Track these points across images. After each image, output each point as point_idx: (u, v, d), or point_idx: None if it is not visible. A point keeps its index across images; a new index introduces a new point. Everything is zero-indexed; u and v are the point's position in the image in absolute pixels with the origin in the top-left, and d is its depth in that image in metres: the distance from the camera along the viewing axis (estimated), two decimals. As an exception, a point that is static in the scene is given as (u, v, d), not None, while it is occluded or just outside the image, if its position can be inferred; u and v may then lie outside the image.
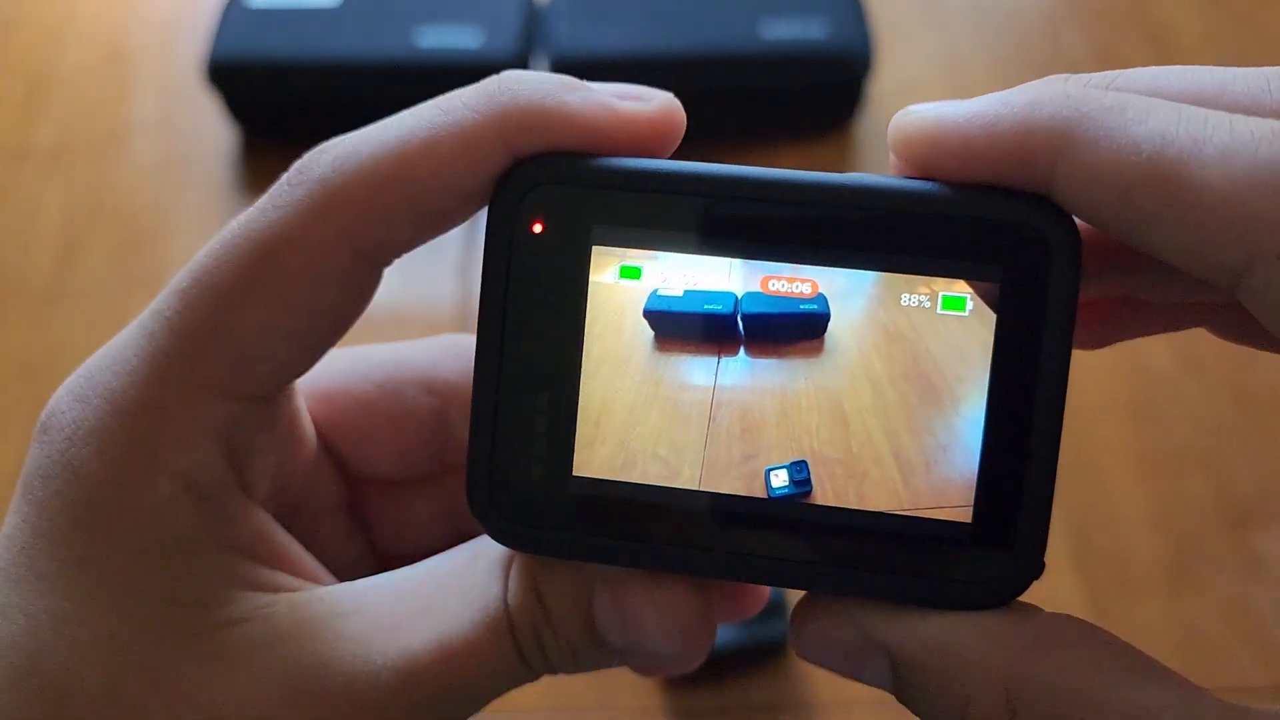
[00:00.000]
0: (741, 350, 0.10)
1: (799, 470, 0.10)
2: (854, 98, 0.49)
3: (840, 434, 0.10)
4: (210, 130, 0.51)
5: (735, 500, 0.10)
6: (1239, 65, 0.51)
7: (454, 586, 0.11)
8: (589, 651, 0.11)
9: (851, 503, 0.09)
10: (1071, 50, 0.54)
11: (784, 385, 0.10)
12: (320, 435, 0.12)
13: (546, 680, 0.36)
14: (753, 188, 0.10)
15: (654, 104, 0.11)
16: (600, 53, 0.47)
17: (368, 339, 0.48)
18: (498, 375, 0.10)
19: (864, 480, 0.09)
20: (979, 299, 0.09)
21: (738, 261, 0.09)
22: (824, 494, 0.09)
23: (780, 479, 0.10)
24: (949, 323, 0.09)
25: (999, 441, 0.09)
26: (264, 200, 0.11)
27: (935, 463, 0.09)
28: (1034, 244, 0.09)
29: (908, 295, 0.09)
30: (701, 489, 0.10)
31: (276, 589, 0.11)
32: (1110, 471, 0.40)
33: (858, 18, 0.48)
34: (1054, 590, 0.37)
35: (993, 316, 0.09)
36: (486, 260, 0.10)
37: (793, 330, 0.10)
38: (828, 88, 0.48)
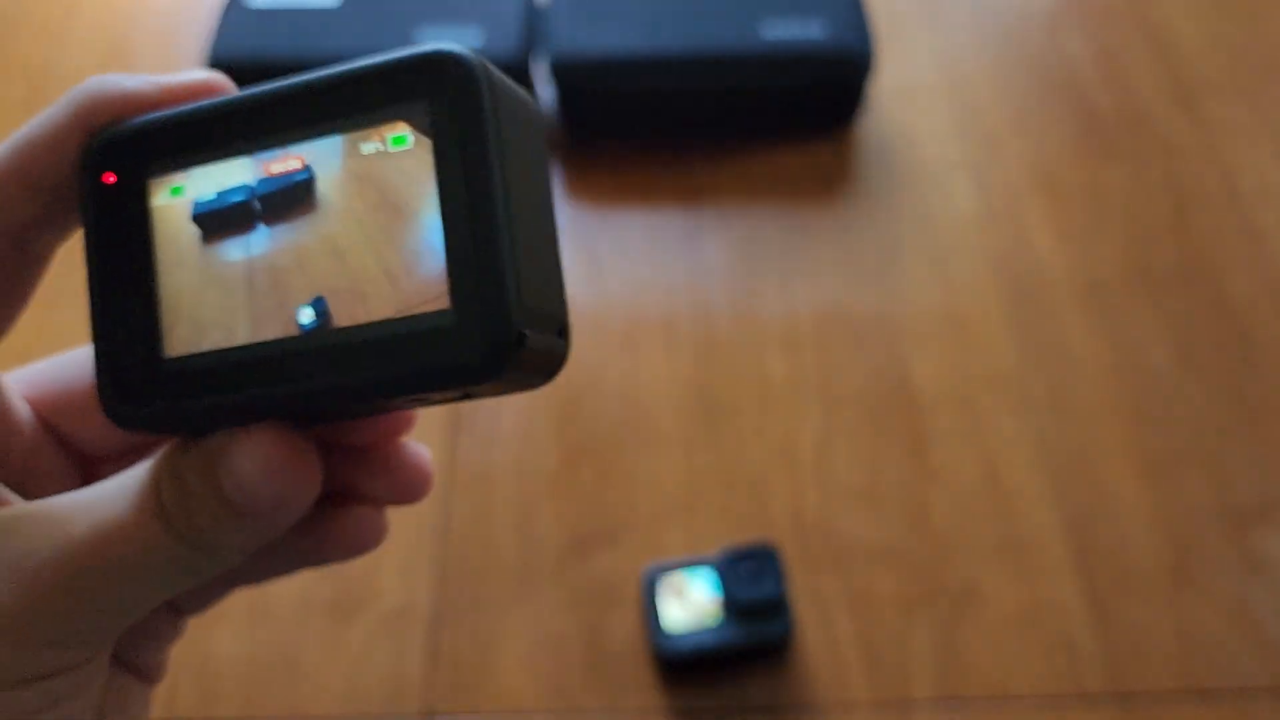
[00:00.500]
0: (260, 224, 0.13)
1: (319, 304, 0.12)
2: (855, 98, 0.49)
3: (341, 267, 0.12)
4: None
5: (274, 344, 0.12)
6: (1238, 64, 0.51)
7: (116, 486, 0.13)
8: (227, 519, 0.13)
9: (361, 320, 0.12)
10: (1070, 50, 0.54)
11: (295, 241, 0.12)
12: (42, 419, 0.15)
13: (547, 681, 0.36)
14: (231, 105, 0.13)
15: (193, 75, 0.14)
16: (600, 53, 0.47)
17: None
18: (100, 296, 0.13)
19: (367, 299, 0.12)
20: (418, 132, 0.12)
21: (247, 159, 0.13)
22: (341, 319, 0.12)
23: (306, 315, 0.12)
24: (400, 157, 0.12)
25: (456, 236, 0.11)
26: None
27: (413, 268, 0.12)
28: (438, 75, 0.12)
29: (364, 144, 0.12)
30: (251, 341, 0.12)
31: None
32: (1110, 472, 0.40)
33: (858, 18, 0.48)
34: (1056, 590, 0.37)
35: (430, 142, 0.12)
36: (80, 210, 0.13)
37: (291, 195, 0.13)
38: (828, 88, 0.48)
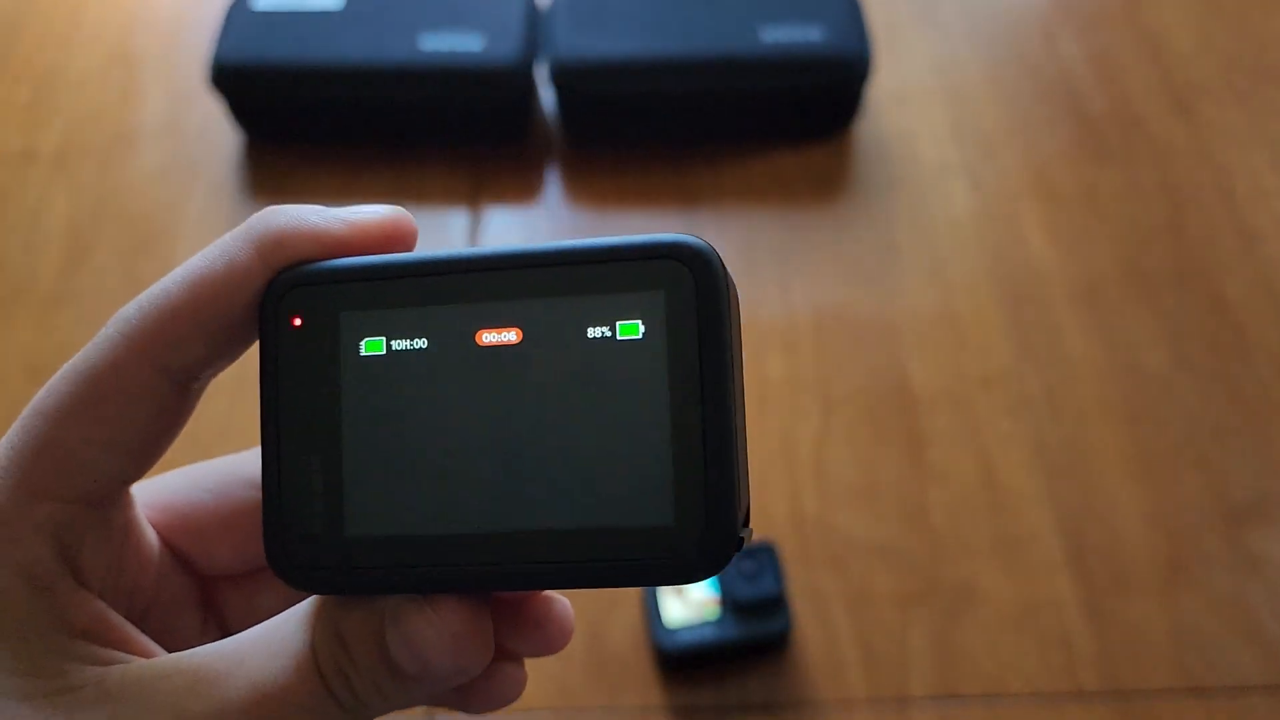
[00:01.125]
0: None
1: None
2: (852, 101, 0.49)
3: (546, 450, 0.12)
4: (215, 133, 0.51)
5: (476, 532, 0.12)
6: (1232, 67, 0.52)
7: (267, 641, 0.12)
8: (390, 683, 0.12)
9: (566, 511, 0.11)
10: (1066, 55, 0.54)
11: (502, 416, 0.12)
12: (165, 541, 0.14)
13: (550, 679, 0.36)
14: (445, 262, 0.12)
15: (381, 213, 0.13)
16: (599, 57, 0.47)
17: None
18: (278, 448, 0.12)
19: (568, 491, 0.11)
20: (651, 324, 0.11)
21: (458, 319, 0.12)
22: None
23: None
24: (628, 348, 0.11)
25: (684, 441, 0.11)
26: (89, 343, 0.13)
27: (630, 466, 0.11)
28: (679, 268, 0.11)
29: (592, 329, 0.11)
30: (448, 534, 0.12)
31: (112, 663, 0.12)
32: (1106, 471, 0.41)
33: (856, 22, 0.48)
34: (1052, 588, 0.38)
35: (664, 338, 0.11)
36: (260, 354, 0.13)
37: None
38: (826, 91, 0.48)
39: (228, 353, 0.13)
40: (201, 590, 0.15)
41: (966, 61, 0.54)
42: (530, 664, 0.38)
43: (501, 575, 0.11)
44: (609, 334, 0.11)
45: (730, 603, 0.35)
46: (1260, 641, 0.36)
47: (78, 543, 0.12)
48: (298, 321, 0.12)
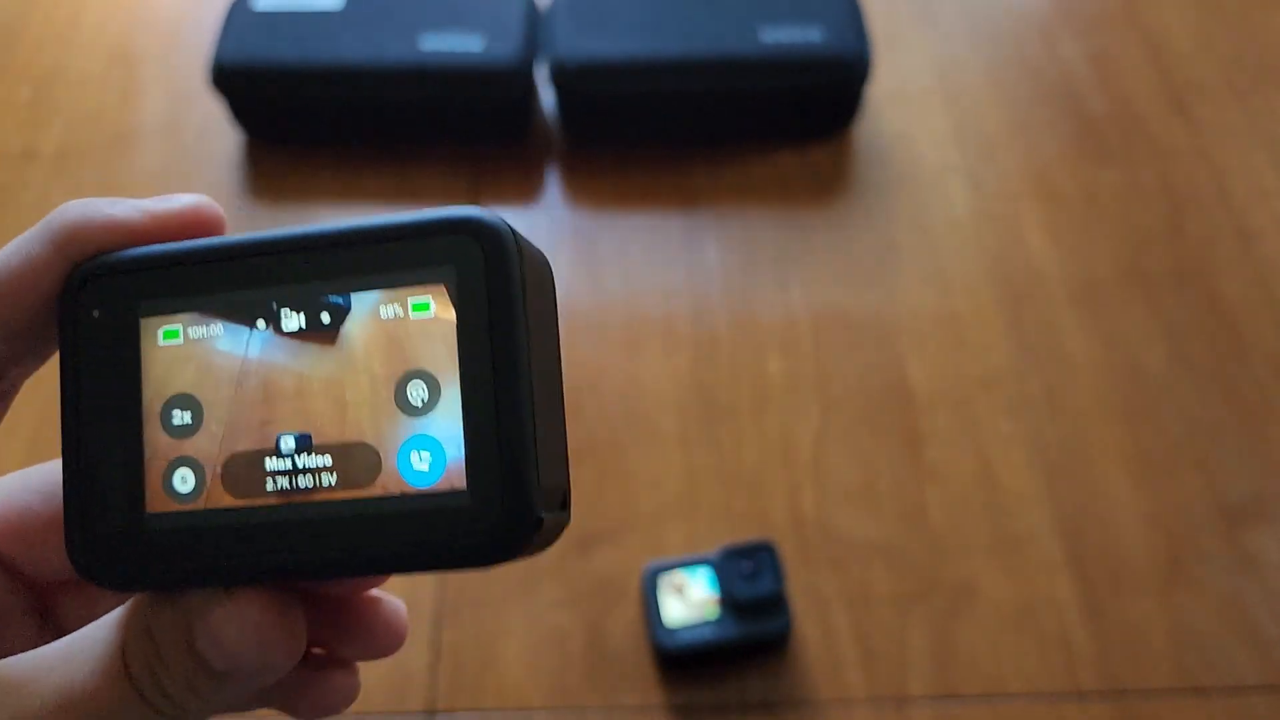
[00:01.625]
0: (268, 328, 0.12)
1: (303, 440, 0.11)
2: (852, 102, 0.49)
3: (340, 418, 0.11)
4: (215, 133, 0.51)
5: (270, 509, 0.11)
6: (1231, 68, 0.52)
7: (78, 646, 0.12)
8: (202, 680, 0.12)
9: (353, 487, 0.11)
10: (1066, 55, 0.55)
11: (301, 367, 0.11)
12: None
13: (550, 680, 0.36)
14: (238, 247, 0.12)
15: (182, 201, 0.13)
16: (599, 57, 0.47)
17: None
18: (78, 440, 0.12)
19: (356, 462, 0.11)
20: (441, 300, 0.11)
21: (255, 309, 0.12)
22: (332, 477, 0.11)
23: (287, 444, 0.11)
24: (420, 325, 0.11)
25: (476, 417, 0.11)
26: None
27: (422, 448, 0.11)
28: (469, 243, 0.11)
29: (384, 308, 0.11)
30: (241, 505, 0.11)
31: None
32: (1105, 471, 0.41)
33: (856, 23, 0.49)
34: (1050, 588, 0.38)
35: (453, 313, 0.11)
36: (60, 347, 0.12)
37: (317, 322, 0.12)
38: (826, 92, 0.48)
39: (34, 350, 0.12)
40: (36, 598, 0.14)
41: (966, 62, 0.54)
42: (530, 662, 0.38)
43: (298, 563, 0.11)
44: (401, 313, 0.11)
45: (730, 602, 0.35)
46: (1258, 641, 0.37)
47: None
48: (96, 313, 0.12)
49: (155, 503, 0.12)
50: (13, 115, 0.52)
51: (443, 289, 0.11)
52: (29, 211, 0.49)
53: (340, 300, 0.11)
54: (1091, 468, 0.41)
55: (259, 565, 0.11)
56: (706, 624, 0.35)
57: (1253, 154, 0.50)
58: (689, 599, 0.35)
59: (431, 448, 0.11)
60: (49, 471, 0.14)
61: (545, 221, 0.49)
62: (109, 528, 0.12)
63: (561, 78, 0.47)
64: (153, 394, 0.12)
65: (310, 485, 0.11)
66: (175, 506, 0.12)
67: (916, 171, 0.50)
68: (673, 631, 0.35)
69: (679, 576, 0.36)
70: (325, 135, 0.50)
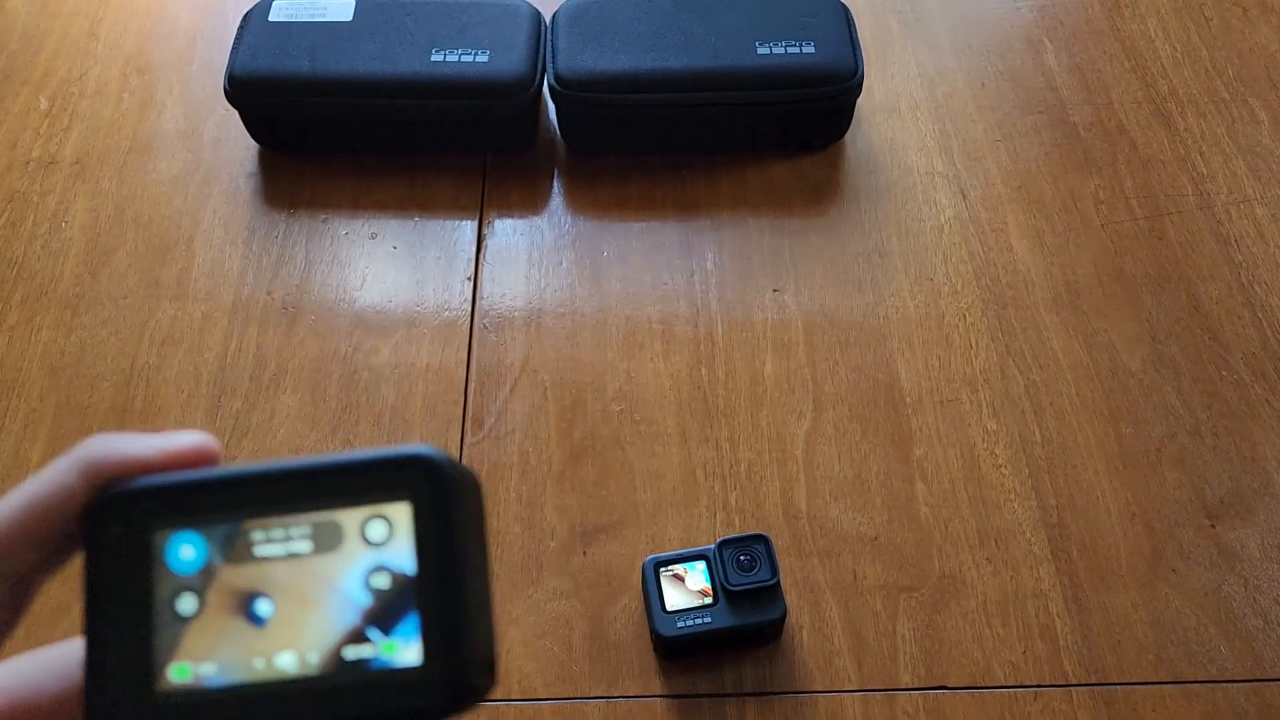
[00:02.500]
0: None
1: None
2: (844, 114, 0.51)
3: (311, 611, 0.14)
4: (230, 142, 0.53)
5: (260, 685, 0.14)
6: (1215, 77, 0.53)
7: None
8: None
9: (338, 661, 0.14)
10: (1051, 66, 0.56)
11: (279, 575, 0.14)
12: None
13: (553, 670, 0.37)
14: (233, 478, 0.15)
15: (187, 440, 0.15)
16: (600, 71, 0.48)
17: (400, 334, 0.48)
18: (97, 630, 0.14)
19: (338, 645, 0.14)
20: (405, 517, 0.14)
21: (243, 525, 0.15)
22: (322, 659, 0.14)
23: (287, 661, 0.14)
24: (384, 544, 0.14)
25: (430, 608, 0.14)
26: None
27: (391, 630, 0.14)
28: (419, 477, 0.14)
29: (355, 524, 0.14)
30: (240, 682, 0.14)
31: None
32: (1087, 468, 0.42)
33: (847, 38, 0.50)
34: (1036, 581, 0.39)
35: (411, 535, 0.14)
36: (84, 558, 0.15)
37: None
38: (819, 103, 0.49)
39: (58, 559, 0.15)
40: None
41: (953, 74, 0.55)
42: (532, 652, 0.39)
43: None
44: (370, 529, 0.14)
45: (726, 592, 0.36)
46: (1237, 633, 0.38)
47: None
48: (115, 529, 0.15)
49: (163, 682, 0.14)
50: (32, 124, 0.54)
51: (406, 507, 0.14)
52: (49, 217, 0.50)
53: (316, 521, 0.14)
54: (1075, 465, 0.42)
55: None
56: (705, 613, 0.36)
57: (1233, 160, 0.52)
58: (688, 589, 0.37)
59: (392, 633, 0.14)
60: (52, 654, 0.17)
61: (549, 228, 0.50)
62: (124, 699, 0.14)
63: (562, 90, 0.49)
64: (163, 592, 0.14)
65: (287, 667, 0.14)
66: (178, 685, 0.14)
67: (905, 179, 0.51)
68: (672, 621, 0.36)
69: (678, 568, 0.37)
70: (337, 145, 0.51)
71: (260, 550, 0.14)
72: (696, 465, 0.42)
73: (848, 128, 0.52)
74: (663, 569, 0.37)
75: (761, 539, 0.37)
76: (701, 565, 0.37)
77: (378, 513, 0.14)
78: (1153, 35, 0.57)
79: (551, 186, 0.51)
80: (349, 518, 0.14)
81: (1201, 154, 0.52)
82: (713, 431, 0.43)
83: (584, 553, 0.39)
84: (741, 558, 0.36)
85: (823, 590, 0.39)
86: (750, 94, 0.49)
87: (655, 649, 0.37)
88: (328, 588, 0.14)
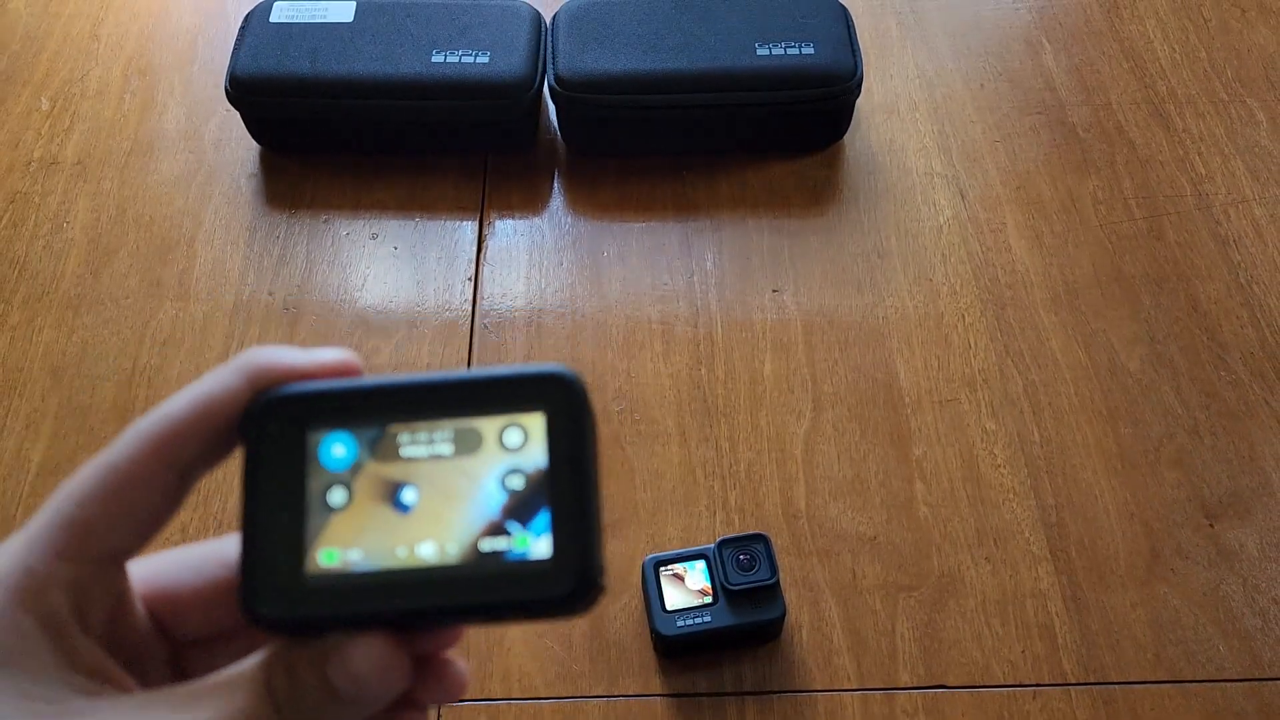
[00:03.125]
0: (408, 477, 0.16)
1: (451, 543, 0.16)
2: (843, 115, 0.51)
3: (453, 506, 0.15)
4: (232, 143, 0.53)
5: (399, 571, 0.15)
6: (1214, 78, 0.53)
7: (232, 677, 0.15)
8: (328, 706, 0.15)
9: (473, 553, 0.15)
10: (1049, 65, 0.56)
11: (424, 475, 0.16)
12: (149, 609, 0.18)
13: (555, 669, 0.37)
14: (381, 388, 0.16)
15: (336, 355, 0.17)
16: (600, 72, 0.48)
17: (401, 334, 0.48)
18: (253, 518, 0.16)
19: (475, 536, 0.15)
20: (538, 426, 0.16)
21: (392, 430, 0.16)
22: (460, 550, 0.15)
23: (429, 550, 0.15)
24: (521, 449, 0.16)
25: (560, 508, 0.15)
26: (112, 442, 0.16)
27: (524, 526, 0.15)
28: (556, 392, 0.15)
29: (496, 431, 0.16)
30: (379, 568, 0.15)
31: (103, 694, 0.15)
32: (1086, 468, 0.42)
33: (847, 39, 0.50)
34: (1035, 580, 0.39)
35: (545, 443, 0.15)
36: (244, 454, 0.16)
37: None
38: (819, 105, 0.49)
39: (220, 455, 0.16)
40: (172, 651, 0.18)
41: (952, 74, 0.56)
42: (533, 650, 0.39)
43: (416, 612, 0.15)
44: (509, 436, 0.16)
45: (726, 592, 0.36)
46: (1236, 633, 0.38)
47: (87, 599, 0.16)
48: (273, 429, 0.16)
49: (312, 565, 0.15)
50: (34, 125, 0.54)
51: (540, 418, 0.15)
52: (51, 217, 0.51)
53: (457, 427, 0.15)
54: (1073, 465, 0.42)
55: (387, 613, 0.15)
56: (704, 612, 0.36)
57: (1231, 161, 0.52)
58: (687, 588, 0.37)
59: (526, 527, 0.15)
60: (200, 551, 0.18)
61: (550, 229, 0.50)
62: (275, 583, 0.15)
63: (563, 91, 0.49)
64: (315, 485, 0.16)
65: (427, 555, 0.15)
66: (326, 569, 0.15)
67: (904, 180, 0.51)
68: (672, 620, 0.36)
69: (678, 567, 0.37)
70: (338, 146, 0.52)
71: (406, 451, 0.15)
72: (696, 465, 0.42)
73: (847, 129, 0.52)
74: (662, 568, 0.37)
75: (761, 538, 0.37)
76: (701, 565, 0.37)
77: (514, 421, 0.15)
78: (1151, 36, 0.57)
79: (552, 187, 0.51)
80: (488, 425, 0.15)
81: (1200, 154, 0.52)
82: (712, 431, 0.43)
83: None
84: (741, 557, 0.36)
85: (822, 589, 0.39)
86: (749, 95, 0.49)
87: (655, 648, 0.37)
88: (468, 484, 0.15)
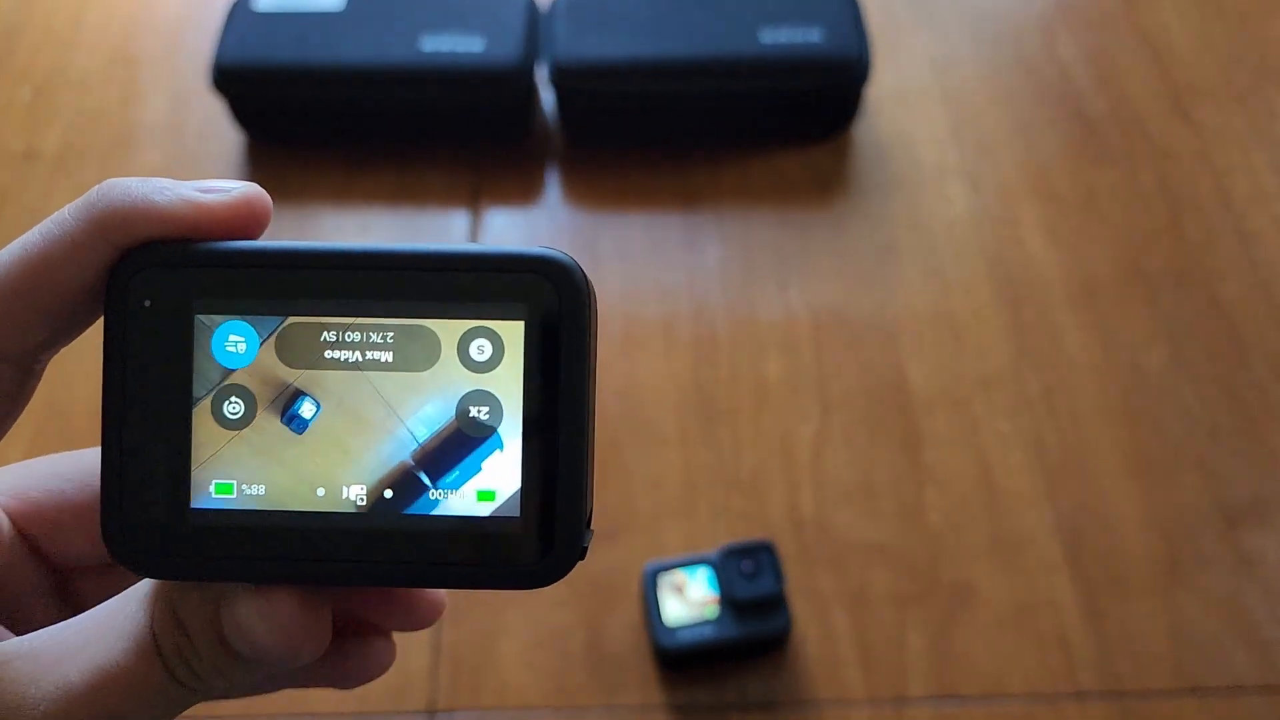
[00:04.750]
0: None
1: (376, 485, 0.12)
2: (851, 102, 0.49)
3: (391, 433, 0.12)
4: (216, 134, 0.51)
5: (319, 515, 0.12)
6: (1231, 69, 0.52)
7: (110, 622, 0.12)
8: (228, 665, 0.12)
9: (414, 508, 0.11)
10: (1064, 54, 0.55)
11: (360, 386, 0.12)
12: (20, 530, 0.14)
13: (550, 681, 0.36)
14: (302, 255, 0.12)
15: (232, 194, 0.12)
16: (599, 59, 0.47)
17: None
18: (120, 431, 0.12)
19: (416, 485, 0.12)
20: (515, 334, 0.11)
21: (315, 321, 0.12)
22: (395, 501, 0.12)
23: (356, 493, 0.12)
24: (493, 356, 0.12)
25: (535, 452, 0.11)
26: None
27: (479, 470, 0.11)
28: (541, 284, 0.11)
29: (454, 336, 0.12)
30: (291, 509, 0.12)
31: None
32: (1104, 472, 0.41)
33: (855, 24, 0.49)
34: (1050, 588, 0.38)
35: (521, 355, 0.11)
36: (106, 336, 0.12)
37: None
38: (825, 93, 0.48)
39: (68, 332, 0.12)
40: (58, 581, 0.15)
41: (965, 62, 0.54)
42: (529, 663, 0.38)
43: (337, 572, 0.11)
44: (472, 344, 0.11)
45: (730, 602, 0.35)
46: (1257, 642, 0.37)
47: None
48: (147, 303, 0.12)
49: (199, 496, 0.12)
50: (14, 116, 0.53)
51: (519, 325, 0.11)
52: (30, 211, 0.49)
53: (404, 326, 0.11)
54: (1090, 468, 0.41)
55: (298, 569, 0.11)
56: (706, 624, 0.35)
57: (1252, 155, 0.50)
58: (689, 599, 0.35)
59: (490, 480, 0.11)
60: (80, 459, 0.14)
61: (546, 222, 0.49)
62: (150, 517, 0.12)
63: (561, 79, 0.47)
64: (203, 386, 0.12)
65: (353, 499, 0.11)
66: (217, 505, 0.12)
67: (915, 172, 0.50)
68: (673, 631, 0.35)
69: (679, 576, 0.36)
70: (326, 136, 0.50)
71: (330, 354, 0.11)
72: (698, 469, 0.41)
73: (855, 118, 0.50)
74: (663, 577, 0.36)
75: (766, 546, 0.36)
76: (703, 574, 0.36)
77: (483, 326, 0.11)
78: (1169, 25, 0.55)
79: (548, 178, 0.50)
80: (446, 330, 0.11)
81: (1220, 148, 0.51)
82: (715, 434, 0.42)
83: (582, 560, 0.38)
84: (745, 566, 0.35)
85: (829, 599, 0.37)
86: (753, 83, 0.47)
87: (655, 660, 0.36)
88: (411, 410, 0.11)
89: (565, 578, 0.11)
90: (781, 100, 0.48)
